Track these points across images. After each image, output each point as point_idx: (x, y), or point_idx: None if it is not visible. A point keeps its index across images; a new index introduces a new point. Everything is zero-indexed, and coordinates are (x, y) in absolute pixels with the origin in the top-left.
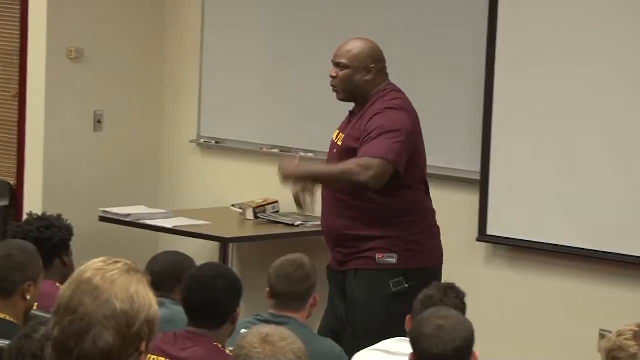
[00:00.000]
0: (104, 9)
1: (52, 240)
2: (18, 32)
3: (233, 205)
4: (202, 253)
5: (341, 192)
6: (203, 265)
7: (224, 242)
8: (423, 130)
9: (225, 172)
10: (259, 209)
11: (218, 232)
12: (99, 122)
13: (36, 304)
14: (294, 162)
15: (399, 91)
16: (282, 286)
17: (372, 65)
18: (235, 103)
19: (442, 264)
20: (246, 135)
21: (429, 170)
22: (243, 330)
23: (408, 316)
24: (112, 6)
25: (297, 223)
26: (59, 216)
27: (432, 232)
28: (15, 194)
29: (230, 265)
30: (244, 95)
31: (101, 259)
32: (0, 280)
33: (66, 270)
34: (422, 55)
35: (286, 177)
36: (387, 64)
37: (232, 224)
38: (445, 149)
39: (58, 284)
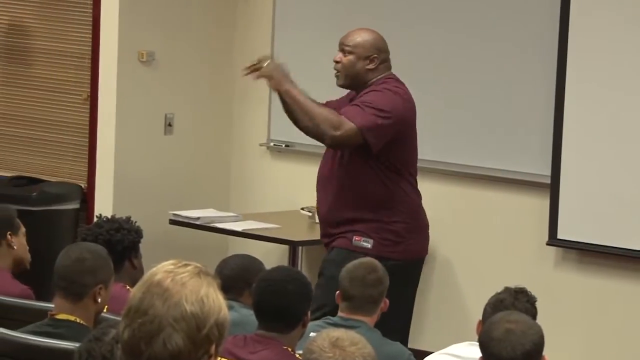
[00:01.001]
0: (175, 12)
1: (122, 243)
2: (90, 36)
3: (302, 209)
4: (271, 256)
5: (337, 177)
6: (274, 269)
7: (293, 245)
8: (494, 134)
9: (294, 175)
10: None
11: (287, 235)
12: (170, 125)
13: (106, 306)
14: (283, 70)
15: (400, 82)
16: (356, 289)
17: (375, 55)
18: None
19: (421, 259)
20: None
21: (500, 174)
22: (312, 334)
23: (478, 320)
24: (183, 9)
25: None
26: (129, 218)
27: (416, 226)
28: (86, 196)
29: (299, 269)
30: (313, 97)
31: (171, 261)
32: (72, 283)
33: (135, 273)
34: (492, 58)
35: (267, 77)
36: (457, 66)
37: (301, 227)
38: (516, 152)
39: (128, 287)
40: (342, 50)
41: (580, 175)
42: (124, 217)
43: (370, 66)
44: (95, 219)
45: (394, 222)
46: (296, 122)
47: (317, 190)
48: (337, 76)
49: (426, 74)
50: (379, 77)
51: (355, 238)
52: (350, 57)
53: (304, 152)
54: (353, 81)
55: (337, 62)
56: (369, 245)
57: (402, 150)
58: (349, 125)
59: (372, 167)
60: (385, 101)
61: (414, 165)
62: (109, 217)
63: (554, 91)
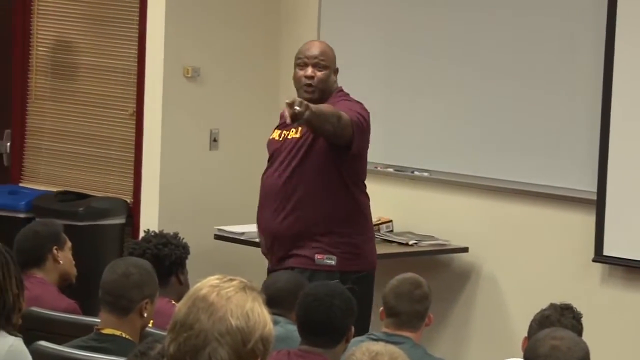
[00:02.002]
0: (220, 28)
1: (169, 258)
2: (136, 52)
3: None
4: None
5: (294, 189)
6: (318, 284)
7: None
8: (540, 150)
9: None
10: None
11: None
12: (215, 140)
13: (152, 321)
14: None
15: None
16: (403, 305)
17: (337, 67)
18: None
19: (375, 268)
20: None
21: (546, 190)
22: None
23: (523, 337)
24: (228, 25)
25: (411, 242)
26: (176, 234)
27: (369, 236)
28: (132, 211)
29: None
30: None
31: (216, 276)
32: (118, 297)
33: (182, 288)
34: (538, 72)
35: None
36: (503, 81)
37: None
38: (562, 168)
39: (173, 302)
40: (314, 65)
41: (626, 191)
42: (172, 233)
43: (334, 78)
44: (142, 234)
45: (354, 234)
46: (320, 131)
47: (264, 202)
48: (311, 92)
49: (473, 88)
50: (335, 89)
51: (318, 256)
52: (326, 71)
53: None
54: (323, 96)
55: (311, 77)
56: (333, 262)
57: (363, 162)
58: (345, 115)
59: (338, 178)
60: (362, 111)
61: (366, 175)
62: (157, 232)
63: (600, 106)
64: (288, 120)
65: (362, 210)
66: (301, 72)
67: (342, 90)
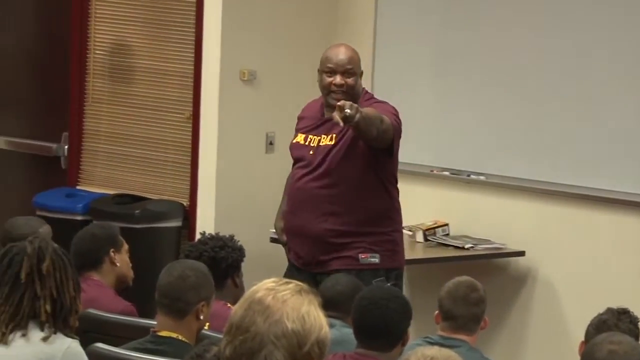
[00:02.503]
0: (276, 31)
1: (226, 261)
2: (192, 55)
3: (403, 228)
4: None
5: (330, 195)
6: (374, 287)
7: None
8: (598, 154)
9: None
10: (429, 232)
11: None
12: (271, 143)
13: (207, 323)
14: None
15: None
16: (460, 309)
17: (362, 70)
18: (405, 125)
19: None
20: (416, 157)
21: (603, 194)
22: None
23: (580, 341)
24: (284, 28)
25: (467, 246)
26: (232, 237)
27: (401, 232)
28: (188, 214)
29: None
30: (414, 117)
31: (272, 279)
32: (175, 300)
33: (237, 291)
34: (596, 74)
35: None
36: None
37: None
38: (619, 171)
39: (229, 305)
40: (343, 72)
41: None
42: (228, 235)
43: (360, 82)
44: (198, 236)
45: (392, 231)
46: (366, 135)
47: (301, 206)
48: (342, 99)
49: (529, 90)
50: (361, 91)
51: (362, 256)
52: (355, 77)
53: (405, 170)
54: (352, 101)
55: (341, 85)
56: (377, 260)
57: (396, 161)
58: (386, 119)
59: (375, 178)
60: (396, 112)
61: (397, 171)
62: (213, 234)
63: None
64: (341, 124)
65: (396, 207)
66: (329, 79)
67: (367, 92)
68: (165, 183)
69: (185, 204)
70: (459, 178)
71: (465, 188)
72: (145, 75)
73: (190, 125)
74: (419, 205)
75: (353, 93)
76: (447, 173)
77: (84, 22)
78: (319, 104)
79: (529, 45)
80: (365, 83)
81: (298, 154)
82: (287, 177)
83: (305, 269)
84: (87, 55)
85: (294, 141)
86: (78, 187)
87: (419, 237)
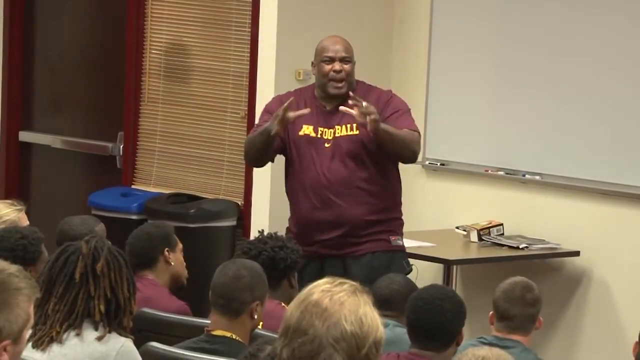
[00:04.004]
0: (331, 30)
1: (285, 262)
2: (248, 54)
3: (457, 227)
4: (426, 274)
5: (358, 177)
6: (428, 287)
7: (447, 264)
8: None
9: (449, 193)
10: (483, 232)
11: (442, 254)
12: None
13: (261, 323)
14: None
15: None
16: (516, 309)
17: (355, 61)
18: (460, 125)
19: None
20: (471, 157)
21: None
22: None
23: (635, 341)
24: (340, 27)
25: (521, 246)
26: (290, 237)
27: None
28: (243, 214)
29: (453, 288)
30: (469, 116)
31: (326, 280)
32: (230, 299)
33: (292, 291)
34: None
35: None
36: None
37: (456, 246)
38: None
39: (283, 304)
40: (341, 59)
41: None
42: (286, 236)
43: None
44: (257, 234)
45: (401, 215)
46: (396, 154)
47: (322, 194)
48: (341, 86)
49: (585, 89)
50: (355, 80)
51: (392, 238)
52: (351, 64)
53: (459, 170)
54: (349, 88)
55: (339, 71)
56: (402, 242)
57: None
58: (417, 135)
59: (391, 164)
60: (406, 105)
61: None
62: (272, 234)
63: None
64: (369, 127)
65: (401, 192)
66: (328, 67)
67: (363, 82)
68: (220, 182)
69: (240, 203)
70: (514, 178)
71: (520, 188)
72: (200, 75)
73: (246, 124)
74: (473, 205)
75: (350, 80)
76: (502, 173)
77: (140, 22)
78: (307, 95)
79: (585, 50)
80: (419, 87)
81: (307, 145)
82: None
83: (333, 254)
84: (143, 55)
85: (302, 133)
86: (133, 187)
87: (474, 236)
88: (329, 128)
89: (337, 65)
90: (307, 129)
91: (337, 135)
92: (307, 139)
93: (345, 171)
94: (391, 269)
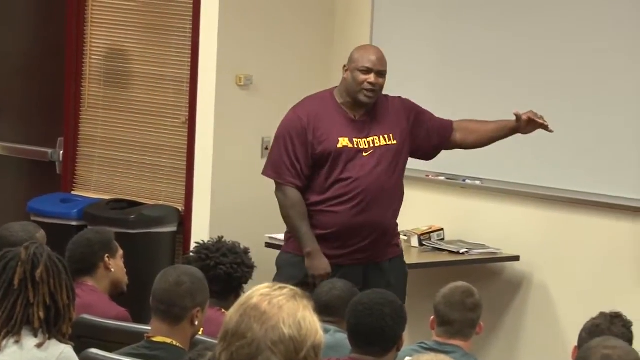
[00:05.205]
0: (272, 36)
1: (240, 280)
2: (189, 60)
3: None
4: None
5: (391, 185)
6: (368, 292)
7: None
8: (590, 158)
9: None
10: (424, 236)
11: None
12: (267, 148)
13: (201, 329)
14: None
15: None
16: (456, 314)
17: None
18: None
19: None
20: (412, 162)
21: (596, 199)
22: (407, 358)
23: (573, 346)
24: (281, 33)
25: (462, 251)
26: (247, 250)
27: None
28: (184, 219)
29: None
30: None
31: (266, 284)
32: (171, 306)
33: (235, 301)
34: (592, 81)
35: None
36: (557, 91)
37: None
38: (612, 176)
39: (223, 310)
40: (377, 72)
41: None
42: (244, 248)
43: None
44: (214, 241)
45: None
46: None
47: (372, 201)
48: (372, 97)
49: (524, 98)
50: None
51: (399, 242)
52: (384, 79)
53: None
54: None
55: (375, 84)
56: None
57: None
58: None
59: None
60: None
61: None
62: (230, 246)
63: None
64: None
65: None
66: (364, 77)
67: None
68: (160, 188)
69: (180, 209)
70: (454, 183)
71: (460, 193)
72: (141, 81)
73: (186, 130)
74: (414, 210)
75: (379, 93)
76: (442, 178)
77: (80, 27)
78: (329, 104)
79: (527, 47)
80: None
81: (344, 155)
82: (289, 197)
83: (363, 263)
84: (83, 60)
85: (339, 146)
86: (73, 193)
87: (414, 241)
88: (362, 138)
89: (373, 78)
90: (343, 141)
91: (376, 145)
92: (346, 150)
93: (384, 178)
94: (405, 274)
